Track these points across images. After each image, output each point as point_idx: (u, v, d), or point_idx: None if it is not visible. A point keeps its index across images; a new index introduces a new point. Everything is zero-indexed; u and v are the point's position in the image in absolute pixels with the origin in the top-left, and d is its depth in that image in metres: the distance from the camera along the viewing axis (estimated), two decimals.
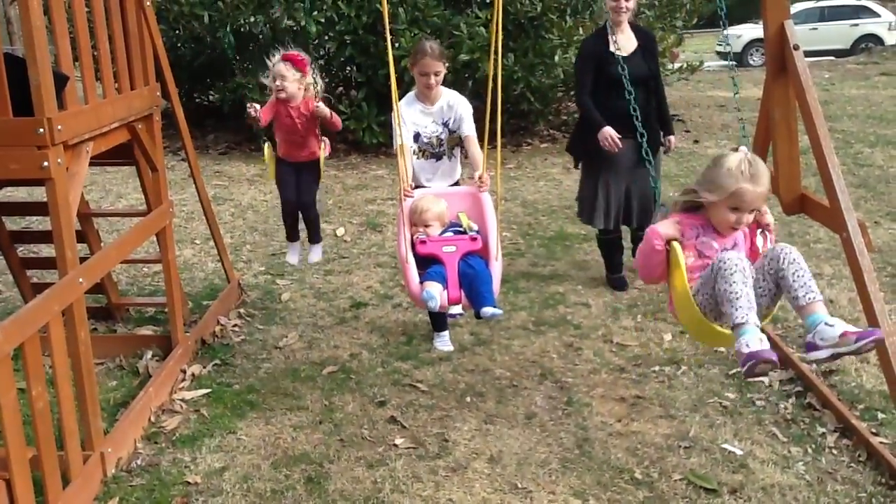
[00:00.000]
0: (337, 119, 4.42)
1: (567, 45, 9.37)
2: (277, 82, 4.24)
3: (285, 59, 4.26)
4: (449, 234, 3.67)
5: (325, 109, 4.30)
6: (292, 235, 4.75)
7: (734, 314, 2.51)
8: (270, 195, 8.06)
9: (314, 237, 4.76)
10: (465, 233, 3.63)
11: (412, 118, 4.13)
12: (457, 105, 4.16)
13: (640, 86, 4.84)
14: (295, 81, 4.26)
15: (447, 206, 3.73)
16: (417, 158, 4.19)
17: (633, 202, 5.05)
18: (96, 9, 3.41)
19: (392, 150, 4.59)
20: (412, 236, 3.59)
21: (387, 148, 9.56)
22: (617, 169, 4.94)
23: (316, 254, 4.79)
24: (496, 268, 3.51)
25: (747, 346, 2.46)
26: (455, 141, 4.24)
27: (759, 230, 2.81)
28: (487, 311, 3.36)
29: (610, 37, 4.77)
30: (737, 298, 2.50)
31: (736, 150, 2.85)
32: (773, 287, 2.70)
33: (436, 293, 3.35)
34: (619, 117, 4.74)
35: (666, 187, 7.76)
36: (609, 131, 4.76)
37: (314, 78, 4.40)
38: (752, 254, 2.82)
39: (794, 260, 2.62)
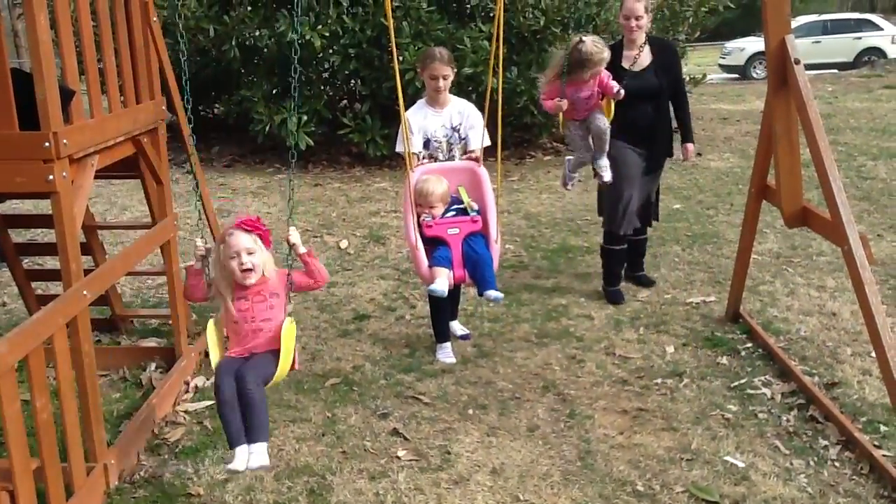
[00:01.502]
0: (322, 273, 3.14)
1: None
2: (238, 261, 2.94)
3: (247, 226, 2.99)
4: (451, 212, 3.97)
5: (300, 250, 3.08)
6: (233, 439, 2.88)
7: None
8: (275, 207, 8.10)
9: (255, 432, 2.87)
10: (466, 212, 3.97)
11: (421, 123, 4.23)
12: (469, 114, 4.30)
13: (650, 100, 4.89)
14: (262, 255, 3.01)
15: (448, 184, 4.01)
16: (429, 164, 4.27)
17: (629, 208, 5.08)
18: (103, 23, 3.45)
19: (394, 163, 4.65)
20: (418, 218, 3.91)
21: (390, 160, 9.60)
22: (627, 176, 4.95)
23: (258, 457, 2.84)
24: (495, 249, 3.91)
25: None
26: (465, 149, 4.32)
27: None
28: (491, 293, 3.76)
29: (625, 51, 4.83)
30: None
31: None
32: None
33: (444, 285, 3.75)
34: (631, 129, 4.83)
35: (670, 199, 7.78)
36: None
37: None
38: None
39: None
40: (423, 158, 4.24)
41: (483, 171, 4.07)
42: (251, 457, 2.83)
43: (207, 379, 4.20)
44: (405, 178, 3.98)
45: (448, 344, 4.45)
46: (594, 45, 4.44)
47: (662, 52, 5.04)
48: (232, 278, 2.98)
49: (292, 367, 3.04)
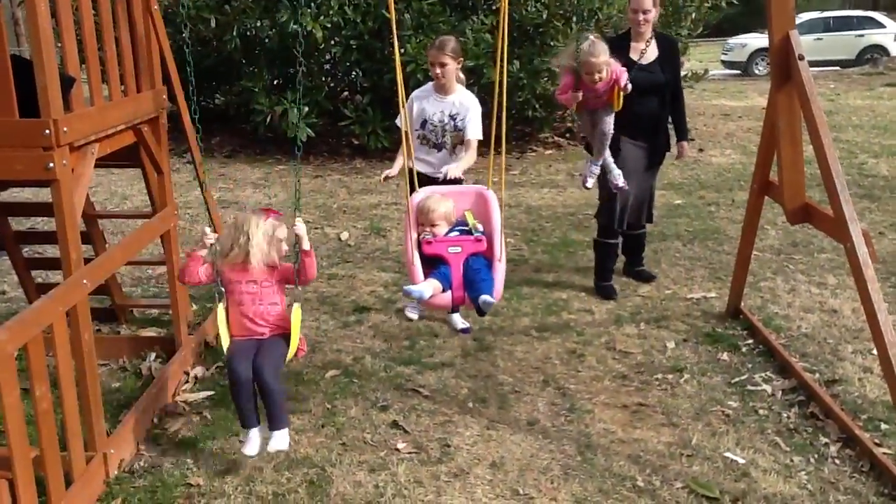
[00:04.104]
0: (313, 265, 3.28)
1: None
2: (279, 252, 3.22)
3: (275, 216, 3.29)
4: (455, 233, 3.68)
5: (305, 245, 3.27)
6: (248, 419, 3.21)
7: None
8: (276, 199, 8.09)
9: (277, 421, 3.19)
10: (470, 233, 3.64)
11: (422, 105, 4.47)
12: (469, 105, 4.42)
13: (656, 94, 4.88)
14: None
15: (454, 205, 3.75)
16: (421, 144, 4.52)
17: (628, 204, 5.07)
18: (103, 11, 3.43)
19: (396, 155, 4.66)
20: (419, 236, 3.61)
21: (391, 152, 9.55)
22: (627, 170, 4.93)
23: (280, 441, 3.19)
24: (499, 269, 3.51)
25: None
26: (459, 139, 4.44)
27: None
28: (482, 297, 3.31)
29: (633, 43, 4.82)
30: None
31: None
32: None
33: (425, 292, 3.37)
34: (636, 122, 4.81)
35: (671, 195, 7.77)
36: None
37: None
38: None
39: None
40: (417, 139, 4.48)
41: (491, 195, 3.75)
42: (273, 441, 3.16)
43: (207, 369, 4.19)
44: (408, 199, 3.72)
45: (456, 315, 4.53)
46: (591, 48, 4.41)
47: (667, 48, 5.03)
48: (245, 264, 3.18)
49: (298, 354, 3.30)
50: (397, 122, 4.25)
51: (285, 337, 3.23)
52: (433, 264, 3.55)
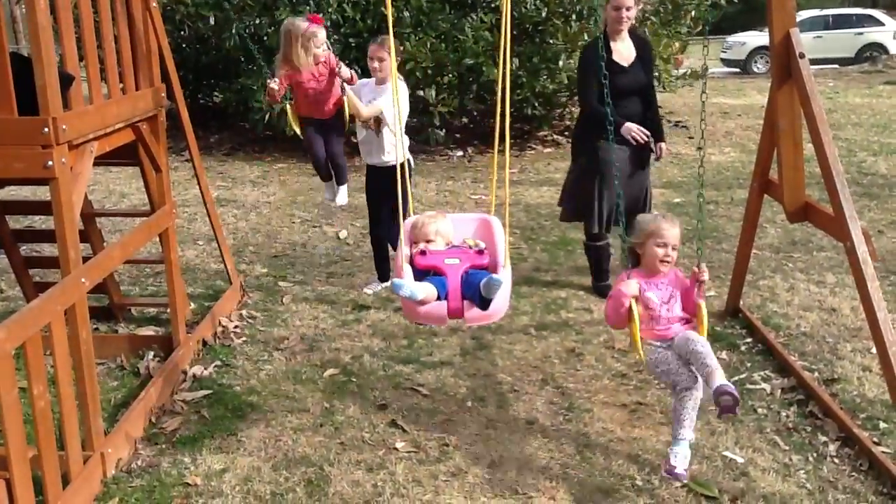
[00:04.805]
0: (353, 75, 4.73)
1: (571, 50, 9.39)
2: (321, 49, 4.60)
3: (314, 21, 4.58)
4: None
5: (345, 70, 4.63)
6: (325, 177, 5.16)
7: (678, 430, 3.07)
8: (274, 197, 8.08)
9: (341, 180, 5.14)
10: (470, 248, 3.24)
11: (360, 95, 4.92)
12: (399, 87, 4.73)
13: (639, 95, 4.85)
14: (323, 42, 4.62)
15: (452, 225, 3.34)
16: (367, 129, 4.98)
17: (615, 207, 5.03)
18: (102, 9, 3.42)
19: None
20: (412, 254, 3.18)
21: None
22: (607, 177, 4.91)
23: (342, 196, 5.20)
24: (504, 275, 3.02)
25: (674, 458, 3.01)
26: (379, 120, 4.89)
27: (697, 284, 3.24)
28: (486, 279, 2.85)
29: (612, 44, 4.77)
30: (684, 419, 3.07)
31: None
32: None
33: (417, 292, 2.84)
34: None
35: (670, 194, 7.77)
36: (634, 126, 4.72)
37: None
38: (689, 303, 3.25)
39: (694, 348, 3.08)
40: (363, 123, 4.93)
41: (495, 220, 3.33)
42: (338, 195, 5.17)
43: (205, 368, 4.19)
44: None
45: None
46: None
47: (644, 47, 4.99)
48: (309, 65, 4.62)
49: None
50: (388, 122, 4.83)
51: (339, 115, 4.77)
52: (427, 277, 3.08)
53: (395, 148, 4.71)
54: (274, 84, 4.58)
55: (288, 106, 4.86)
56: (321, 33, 4.59)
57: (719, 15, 12.52)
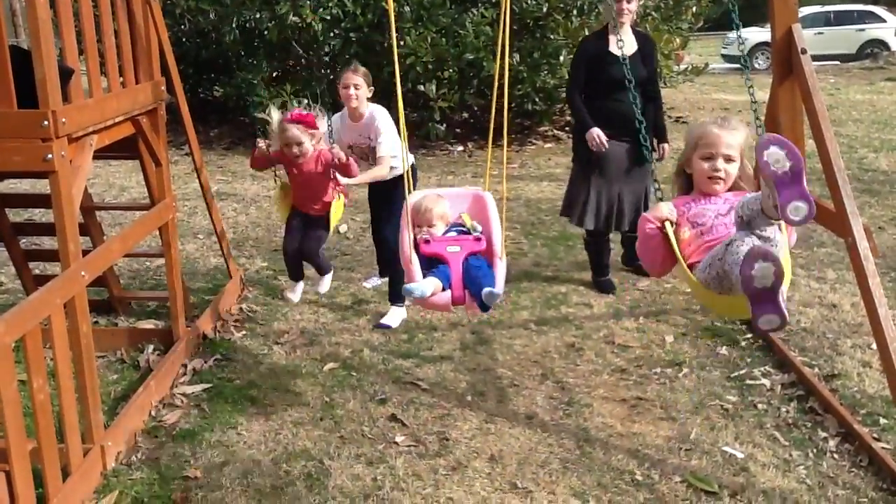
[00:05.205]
0: (354, 167, 4.20)
1: (572, 45, 9.38)
2: (294, 150, 4.13)
3: (295, 121, 4.11)
4: (452, 233, 3.57)
5: (341, 155, 4.11)
6: (295, 277, 4.56)
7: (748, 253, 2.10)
8: (274, 191, 8.05)
9: (322, 272, 4.60)
10: (468, 233, 3.51)
11: (340, 136, 4.60)
12: (380, 126, 4.49)
13: (637, 89, 4.82)
14: (309, 140, 4.16)
15: (449, 207, 3.63)
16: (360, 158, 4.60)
17: (624, 205, 5.01)
18: (102, 3, 3.41)
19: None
20: (415, 237, 3.46)
21: None
22: (610, 171, 4.91)
23: (325, 285, 4.63)
24: (500, 267, 3.34)
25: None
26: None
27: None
28: (485, 289, 3.09)
29: (611, 36, 4.77)
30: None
31: None
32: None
33: (425, 290, 3.11)
34: (616, 119, 4.75)
35: (668, 190, 7.75)
36: (596, 132, 4.77)
37: (326, 124, 4.44)
38: None
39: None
40: (350, 148, 4.55)
41: (488, 196, 3.64)
42: (321, 284, 4.60)
43: (205, 362, 4.19)
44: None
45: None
46: None
47: (645, 43, 5.00)
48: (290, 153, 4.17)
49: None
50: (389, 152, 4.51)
51: (326, 216, 4.32)
52: (431, 264, 3.42)
53: (396, 161, 4.54)
54: (263, 144, 4.24)
55: (278, 188, 4.52)
56: (292, 130, 4.09)
57: (720, 10, 12.49)
